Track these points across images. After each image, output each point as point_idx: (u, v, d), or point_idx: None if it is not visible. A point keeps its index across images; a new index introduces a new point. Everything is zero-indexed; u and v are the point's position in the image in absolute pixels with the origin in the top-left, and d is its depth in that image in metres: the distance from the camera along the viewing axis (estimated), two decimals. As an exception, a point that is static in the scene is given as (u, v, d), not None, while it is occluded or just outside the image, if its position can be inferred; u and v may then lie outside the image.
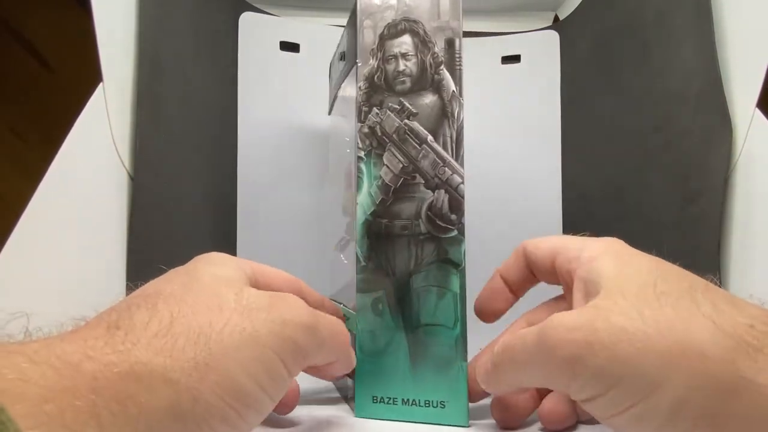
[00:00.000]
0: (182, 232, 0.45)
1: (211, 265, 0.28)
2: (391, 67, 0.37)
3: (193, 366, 0.22)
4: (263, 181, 0.54)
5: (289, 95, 0.55)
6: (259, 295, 0.26)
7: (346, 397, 0.38)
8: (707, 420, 0.22)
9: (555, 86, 0.58)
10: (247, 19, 0.55)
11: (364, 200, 0.36)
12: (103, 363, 0.20)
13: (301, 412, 0.34)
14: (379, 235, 0.36)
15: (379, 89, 0.37)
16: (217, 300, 0.25)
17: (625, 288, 0.26)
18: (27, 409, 0.17)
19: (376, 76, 0.37)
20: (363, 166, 0.36)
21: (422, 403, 0.35)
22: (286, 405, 0.33)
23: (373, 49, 0.37)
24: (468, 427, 0.34)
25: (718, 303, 0.25)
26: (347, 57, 0.40)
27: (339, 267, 0.42)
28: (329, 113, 0.50)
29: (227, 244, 0.52)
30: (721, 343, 0.23)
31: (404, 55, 0.38)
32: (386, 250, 0.36)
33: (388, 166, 0.37)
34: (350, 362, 0.32)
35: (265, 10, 0.57)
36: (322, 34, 0.56)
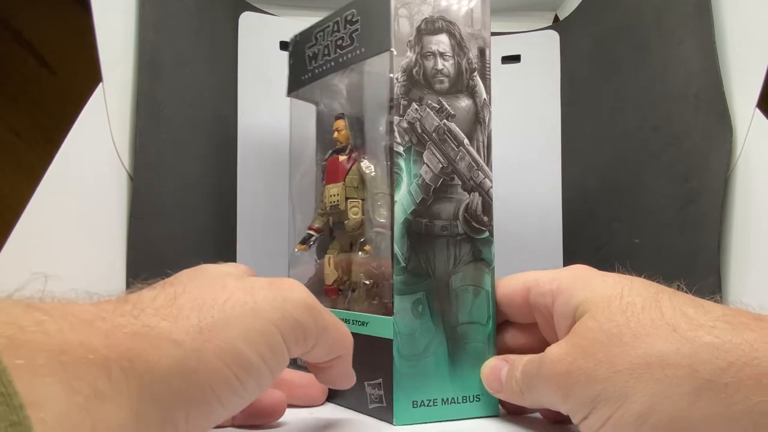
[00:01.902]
0: (182, 233, 0.45)
1: (215, 264, 0.30)
2: (429, 64, 0.37)
3: (197, 330, 0.23)
4: (263, 181, 0.53)
5: (289, 95, 0.55)
6: (260, 279, 0.28)
7: (349, 404, 0.38)
8: (675, 424, 0.24)
9: (555, 86, 0.58)
10: (247, 19, 0.55)
11: (404, 199, 0.36)
12: (113, 324, 0.21)
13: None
14: (419, 235, 0.35)
15: (417, 84, 0.37)
16: (221, 282, 0.26)
17: (594, 310, 0.28)
18: (45, 359, 0.18)
19: (414, 70, 0.37)
20: (402, 163, 0.36)
21: (460, 400, 0.35)
22: (269, 415, 0.33)
23: (410, 41, 0.36)
24: (498, 415, 0.36)
25: (683, 308, 0.26)
26: (363, 42, 0.39)
27: (301, 265, 0.42)
28: (288, 94, 0.46)
29: (227, 244, 0.52)
30: (681, 350, 0.25)
31: (442, 54, 0.37)
32: (426, 251, 0.36)
33: (428, 165, 0.37)
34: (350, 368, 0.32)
35: (265, 10, 0.57)
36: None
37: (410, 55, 0.36)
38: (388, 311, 0.35)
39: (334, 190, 0.40)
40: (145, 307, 0.23)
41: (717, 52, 0.42)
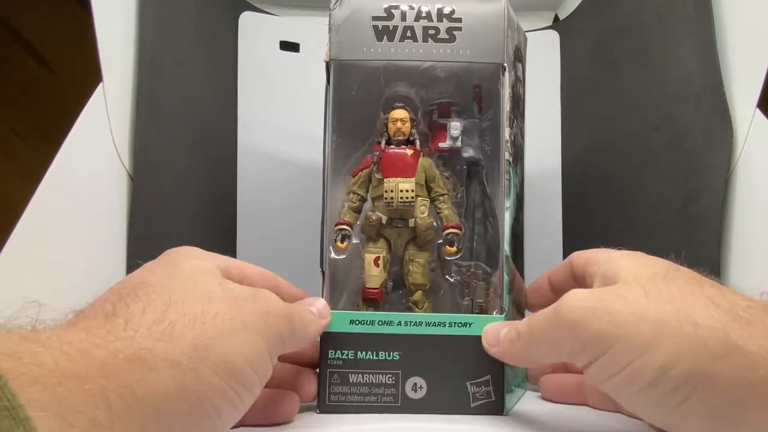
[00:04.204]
0: (182, 232, 0.45)
1: (189, 258, 0.30)
2: (516, 87, 0.40)
3: (193, 348, 0.24)
4: (263, 181, 0.53)
5: (289, 95, 0.55)
6: (242, 288, 0.29)
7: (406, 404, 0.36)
8: (692, 382, 0.24)
9: (555, 86, 0.58)
10: (247, 19, 0.55)
11: (512, 205, 0.38)
12: (109, 350, 0.21)
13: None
14: (514, 238, 0.39)
15: (515, 104, 0.39)
16: (205, 290, 0.27)
17: (638, 275, 0.29)
18: (39, 392, 0.18)
19: (515, 89, 0.39)
20: (511, 171, 0.38)
21: (513, 383, 0.39)
22: (282, 416, 0.33)
23: (511, 62, 0.39)
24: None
25: (723, 291, 0.27)
26: (468, 45, 0.38)
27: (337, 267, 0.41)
28: (330, 59, 0.40)
29: (227, 244, 0.52)
30: (715, 316, 0.25)
31: (520, 81, 0.41)
32: (517, 252, 0.40)
33: (517, 177, 0.40)
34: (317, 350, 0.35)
35: (265, 10, 0.57)
36: (322, 33, 0.56)
37: (512, 75, 0.39)
38: (482, 310, 0.37)
39: (405, 186, 0.38)
40: (138, 325, 0.23)
41: (717, 52, 0.42)
